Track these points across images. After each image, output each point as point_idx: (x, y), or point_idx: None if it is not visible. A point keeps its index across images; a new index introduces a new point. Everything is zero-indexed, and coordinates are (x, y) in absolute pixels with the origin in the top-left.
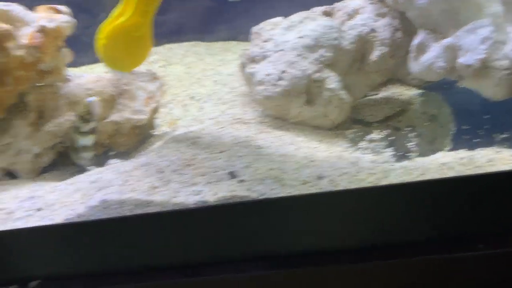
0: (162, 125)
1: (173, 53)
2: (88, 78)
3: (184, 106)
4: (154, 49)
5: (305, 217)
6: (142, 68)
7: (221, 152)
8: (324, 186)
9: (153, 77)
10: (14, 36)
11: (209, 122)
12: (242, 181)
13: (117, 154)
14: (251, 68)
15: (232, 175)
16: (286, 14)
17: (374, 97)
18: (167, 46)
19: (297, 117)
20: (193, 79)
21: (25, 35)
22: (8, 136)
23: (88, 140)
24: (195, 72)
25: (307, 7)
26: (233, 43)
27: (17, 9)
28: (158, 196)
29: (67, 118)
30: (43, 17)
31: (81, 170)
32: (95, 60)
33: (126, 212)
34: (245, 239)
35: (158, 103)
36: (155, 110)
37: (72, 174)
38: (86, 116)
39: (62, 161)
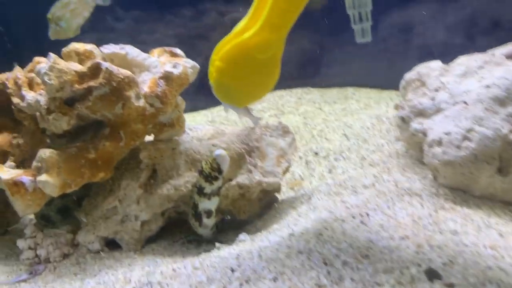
0: (282, 185)
1: (284, 101)
2: (206, 131)
3: (307, 164)
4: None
5: None
6: (267, 118)
7: (404, 238)
8: None
9: (284, 130)
10: (135, 84)
11: (367, 191)
12: (451, 285)
13: (235, 222)
14: (419, 123)
15: (432, 274)
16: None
17: None
18: (277, 93)
19: (485, 190)
20: (314, 131)
21: (146, 82)
22: (114, 199)
23: (212, 204)
24: (315, 123)
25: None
26: (350, 89)
27: (134, 52)
28: None
29: (187, 179)
30: (165, 61)
31: (195, 240)
32: (191, 107)
33: None
34: None
35: (289, 162)
36: (286, 171)
37: (184, 246)
38: (211, 174)
39: (170, 229)
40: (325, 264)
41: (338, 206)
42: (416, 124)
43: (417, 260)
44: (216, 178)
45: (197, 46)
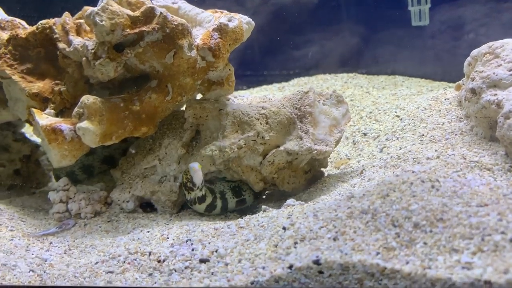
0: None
1: (329, 84)
2: (252, 99)
3: (355, 144)
4: (306, 79)
5: None
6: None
7: (483, 205)
8: None
9: (338, 100)
10: (189, 33)
11: (432, 162)
12: None
13: (278, 193)
14: (493, 94)
15: None
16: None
17: None
18: (321, 76)
19: None
20: (362, 113)
21: (197, 37)
22: (153, 158)
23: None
24: (364, 105)
25: None
26: (400, 78)
27: (187, 7)
28: (400, 264)
29: (233, 141)
30: (219, 16)
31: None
32: None
33: (354, 284)
34: None
35: (342, 133)
36: (338, 142)
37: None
38: (187, 184)
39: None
40: (394, 225)
41: (403, 173)
42: (489, 95)
43: (501, 228)
44: (191, 189)
45: None
